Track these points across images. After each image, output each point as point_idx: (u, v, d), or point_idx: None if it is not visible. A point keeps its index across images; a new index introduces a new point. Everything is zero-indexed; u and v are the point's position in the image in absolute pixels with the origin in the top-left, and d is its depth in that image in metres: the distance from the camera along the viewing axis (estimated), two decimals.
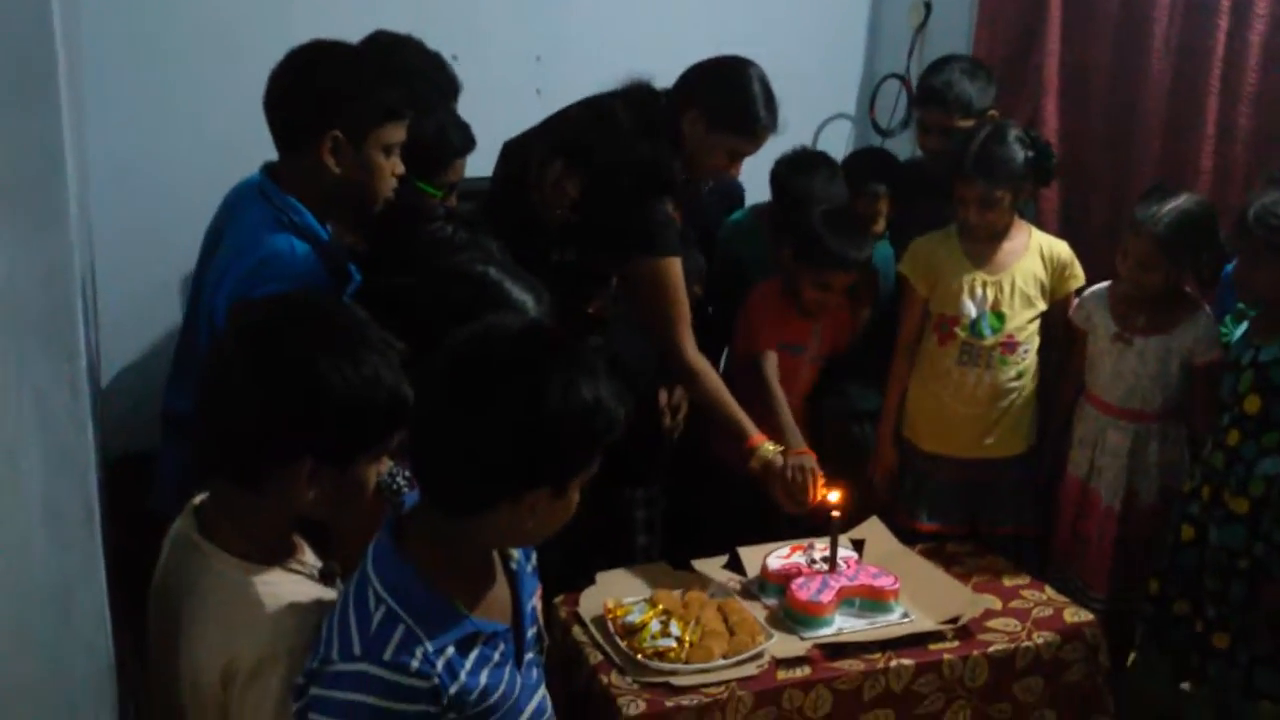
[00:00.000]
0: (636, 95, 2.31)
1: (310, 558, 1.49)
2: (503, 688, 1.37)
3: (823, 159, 2.96)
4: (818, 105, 3.68)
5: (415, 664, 1.27)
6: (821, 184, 2.82)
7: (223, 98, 2.84)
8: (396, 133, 1.94)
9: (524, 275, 1.73)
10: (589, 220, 2.29)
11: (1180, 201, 2.51)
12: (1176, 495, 2.59)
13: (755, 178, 2.93)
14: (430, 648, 1.29)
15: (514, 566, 1.47)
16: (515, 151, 2.45)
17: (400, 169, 1.97)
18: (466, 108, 2.57)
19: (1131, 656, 2.73)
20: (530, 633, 1.47)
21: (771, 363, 2.70)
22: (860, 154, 3.21)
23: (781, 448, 2.38)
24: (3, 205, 1.04)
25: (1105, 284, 2.72)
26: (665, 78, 2.46)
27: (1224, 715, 2.51)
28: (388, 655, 1.27)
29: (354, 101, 1.89)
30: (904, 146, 3.53)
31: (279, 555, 1.43)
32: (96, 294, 2.20)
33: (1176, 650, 2.56)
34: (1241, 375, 2.41)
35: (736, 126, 2.44)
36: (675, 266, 2.34)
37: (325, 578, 1.46)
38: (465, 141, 2.42)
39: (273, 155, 2.01)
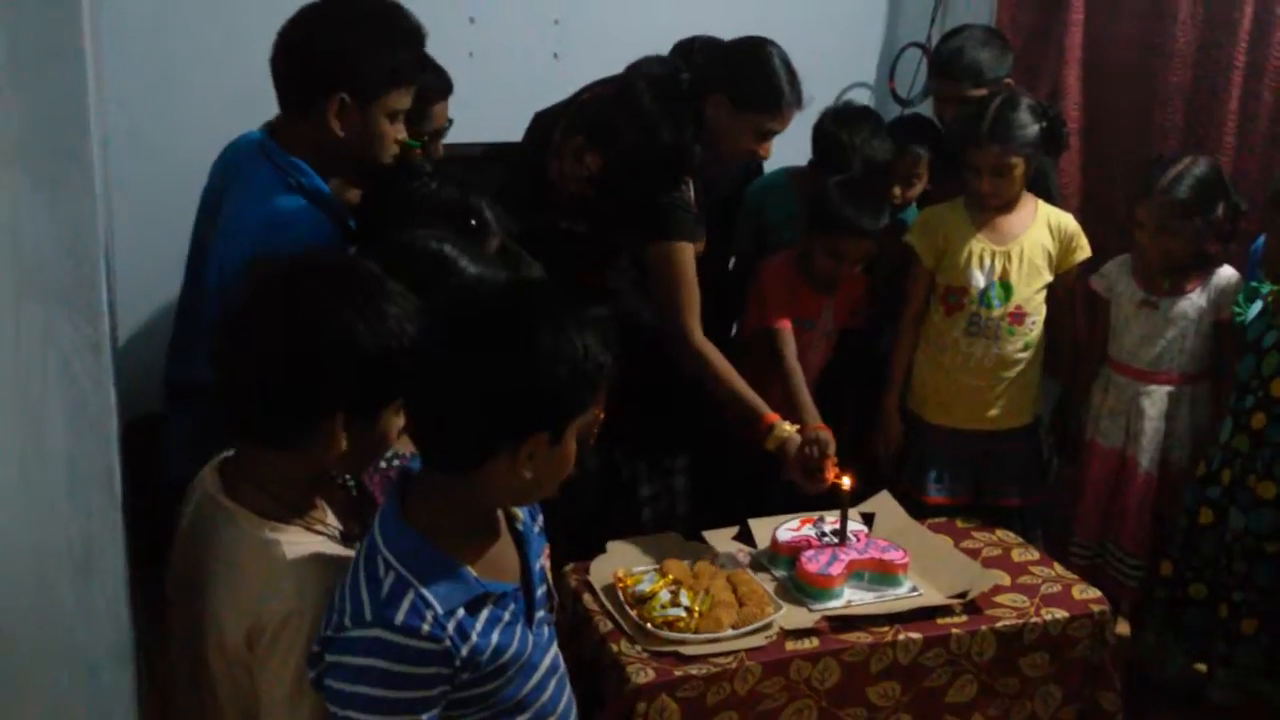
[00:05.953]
0: (660, 79, 2.33)
1: (332, 519, 1.50)
2: (514, 646, 1.39)
3: (868, 112, 2.92)
4: (836, 73, 3.62)
5: (426, 628, 1.29)
6: (865, 137, 2.77)
7: (233, 65, 2.82)
8: (403, 99, 1.91)
9: (481, 255, 1.73)
10: (606, 198, 2.30)
11: (1187, 165, 2.52)
12: (1191, 475, 2.58)
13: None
14: (440, 611, 1.30)
15: (519, 528, 1.49)
16: (541, 121, 2.45)
17: (403, 135, 1.94)
18: (483, 71, 2.55)
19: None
20: (540, 591, 1.49)
21: (787, 337, 2.66)
22: (905, 118, 3.19)
23: (797, 426, 2.38)
24: (30, 172, 1.05)
25: (1126, 255, 2.72)
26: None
27: (1248, 697, 2.51)
28: (399, 620, 1.29)
29: (363, 65, 1.85)
30: None
31: (301, 513, 1.44)
32: (115, 260, 2.21)
33: (1193, 632, 2.56)
34: (1265, 357, 2.39)
35: (762, 105, 2.45)
36: (687, 252, 2.36)
37: (347, 540, 1.48)
38: (443, 85, 2.38)
39: None
